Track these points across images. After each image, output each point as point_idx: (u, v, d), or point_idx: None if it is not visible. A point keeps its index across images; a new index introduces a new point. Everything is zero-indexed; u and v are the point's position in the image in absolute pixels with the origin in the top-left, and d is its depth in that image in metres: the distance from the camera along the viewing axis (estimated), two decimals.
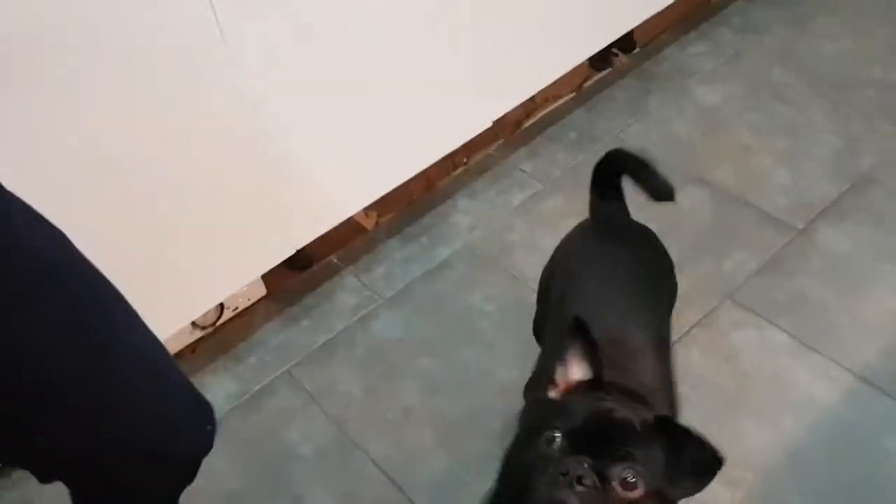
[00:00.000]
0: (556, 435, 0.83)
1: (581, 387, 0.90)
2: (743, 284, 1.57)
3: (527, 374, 1.46)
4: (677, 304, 1.55)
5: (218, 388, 1.55)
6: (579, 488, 0.80)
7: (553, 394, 0.91)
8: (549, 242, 1.70)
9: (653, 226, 1.69)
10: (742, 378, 1.43)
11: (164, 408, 0.87)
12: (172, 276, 1.39)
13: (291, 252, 1.55)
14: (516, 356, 1.51)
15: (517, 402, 1.43)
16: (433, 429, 1.44)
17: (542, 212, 1.78)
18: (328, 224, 1.58)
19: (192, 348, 1.62)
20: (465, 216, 1.81)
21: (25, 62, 1.06)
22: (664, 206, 1.71)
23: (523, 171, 1.89)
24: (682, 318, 1.53)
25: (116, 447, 0.83)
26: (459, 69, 1.63)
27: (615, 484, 0.80)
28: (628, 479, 0.80)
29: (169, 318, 1.44)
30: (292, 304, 1.68)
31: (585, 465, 0.81)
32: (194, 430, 0.90)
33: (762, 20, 2.19)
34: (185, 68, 1.23)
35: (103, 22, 1.11)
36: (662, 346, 1.10)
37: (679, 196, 1.73)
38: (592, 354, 0.89)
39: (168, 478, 0.92)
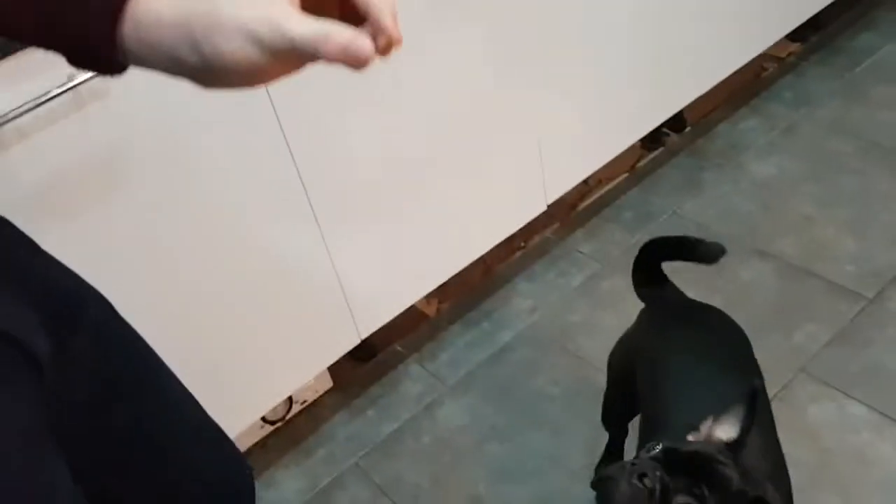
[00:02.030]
0: (658, 445, 0.83)
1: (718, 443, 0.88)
2: (815, 357, 1.53)
3: (596, 460, 1.44)
4: None
5: (289, 482, 1.56)
6: (634, 482, 0.80)
7: (691, 437, 0.89)
8: (610, 322, 1.70)
9: (717, 301, 1.67)
10: (823, 454, 1.37)
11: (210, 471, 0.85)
12: (241, 372, 1.42)
13: (356, 343, 1.57)
14: (585, 440, 1.49)
15: (587, 487, 1.40)
16: None
17: (602, 292, 1.78)
18: (391, 313, 1.61)
19: (262, 444, 1.64)
20: (525, 299, 1.82)
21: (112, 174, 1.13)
22: (728, 282, 1.71)
23: (581, 252, 1.90)
24: None
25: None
26: (513, 155, 1.67)
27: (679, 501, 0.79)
28: None
29: (239, 414, 1.47)
30: (358, 395, 1.70)
31: (657, 473, 0.80)
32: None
33: (814, 93, 2.20)
34: (249, 165, 1.29)
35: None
36: (769, 423, 1.06)
37: (742, 270, 1.73)
38: (748, 420, 0.86)
39: None
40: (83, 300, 0.75)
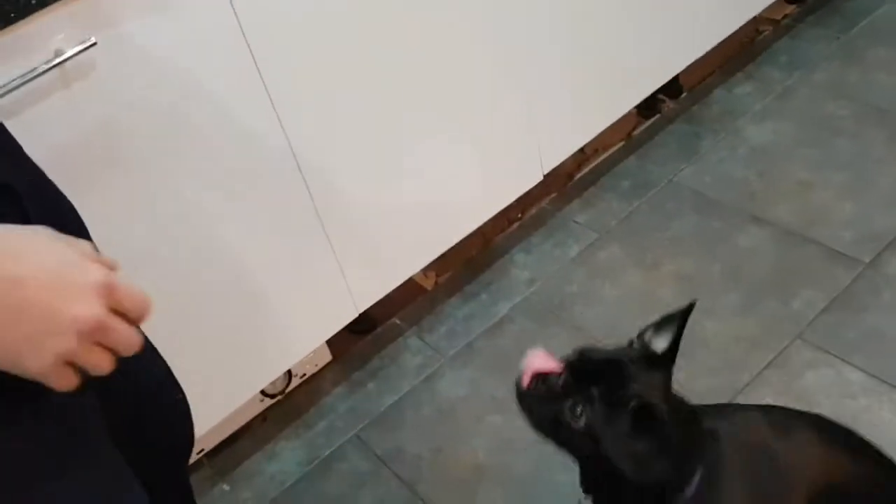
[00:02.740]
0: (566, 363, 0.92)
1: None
2: (812, 323, 1.54)
3: None
4: (746, 345, 1.53)
5: (290, 454, 1.57)
6: (538, 384, 0.91)
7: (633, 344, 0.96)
8: (608, 292, 1.70)
9: (714, 269, 1.68)
10: None
11: None
12: (240, 347, 1.42)
13: (354, 316, 1.57)
14: None
15: None
16: (503, 486, 1.43)
17: (600, 261, 1.78)
18: (388, 286, 1.60)
19: (262, 417, 1.64)
20: (523, 271, 1.81)
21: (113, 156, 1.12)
22: (726, 249, 1.71)
23: (578, 222, 1.89)
24: (752, 359, 1.50)
25: None
26: (507, 125, 1.65)
27: (566, 405, 0.88)
28: (578, 410, 0.87)
29: (239, 388, 1.47)
30: (358, 368, 1.70)
31: (561, 380, 0.90)
32: None
33: (809, 56, 2.18)
34: (242, 142, 1.28)
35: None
36: None
37: (739, 237, 1.73)
38: (678, 334, 0.91)
39: None
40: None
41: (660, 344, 0.92)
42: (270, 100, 1.26)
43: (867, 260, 1.62)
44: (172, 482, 1.02)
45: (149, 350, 0.92)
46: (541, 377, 0.92)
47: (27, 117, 1.02)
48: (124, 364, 0.86)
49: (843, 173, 1.82)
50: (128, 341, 0.57)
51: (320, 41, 1.28)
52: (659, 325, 0.93)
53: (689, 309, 0.91)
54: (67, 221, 0.78)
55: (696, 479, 0.92)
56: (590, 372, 0.90)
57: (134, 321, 0.57)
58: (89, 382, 0.75)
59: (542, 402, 0.91)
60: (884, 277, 1.58)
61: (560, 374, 0.91)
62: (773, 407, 1.10)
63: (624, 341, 1.46)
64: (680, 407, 0.93)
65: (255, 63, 1.22)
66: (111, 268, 0.58)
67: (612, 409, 0.86)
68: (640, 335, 0.95)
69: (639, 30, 1.82)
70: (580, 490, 1.01)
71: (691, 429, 0.93)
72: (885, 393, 1.39)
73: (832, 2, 2.35)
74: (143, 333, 0.90)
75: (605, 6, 1.71)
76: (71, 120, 1.07)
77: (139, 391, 0.89)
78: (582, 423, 0.87)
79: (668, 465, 0.88)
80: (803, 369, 1.47)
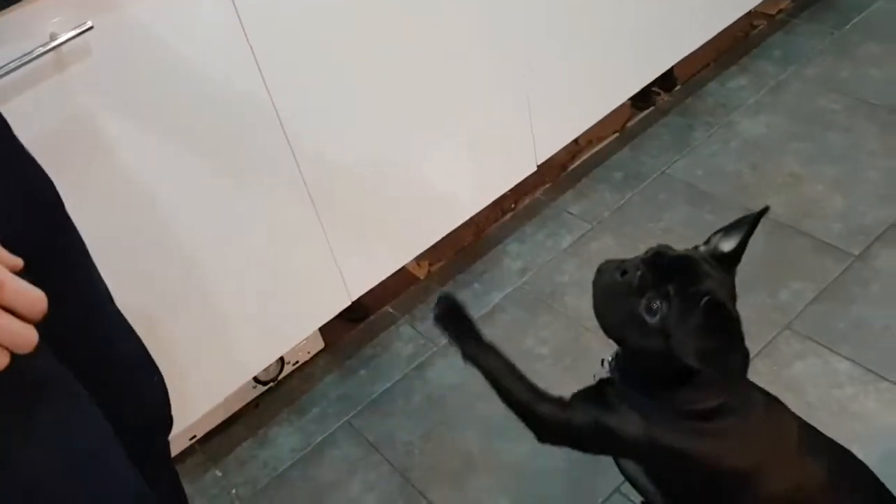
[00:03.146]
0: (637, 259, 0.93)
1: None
2: (801, 313, 1.55)
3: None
4: None
5: (283, 440, 1.58)
6: (616, 276, 0.92)
7: (701, 247, 0.98)
8: None
9: None
10: (807, 409, 1.39)
11: None
12: (232, 333, 1.43)
13: (347, 304, 1.58)
14: None
15: None
16: (494, 474, 1.44)
17: (592, 252, 1.79)
18: (381, 275, 1.61)
19: (255, 403, 1.65)
20: (516, 260, 1.82)
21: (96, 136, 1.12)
22: None
23: (571, 213, 1.90)
24: None
25: None
26: (502, 115, 1.66)
27: (643, 301, 0.89)
28: (653, 305, 0.89)
29: (231, 375, 1.48)
30: (350, 356, 1.71)
31: (638, 271, 0.91)
32: None
33: (803, 51, 2.19)
34: (234, 121, 1.28)
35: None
36: None
37: None
38: (746, 236, 0.94)
39: None
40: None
41: (727, 246, 0.95)
42: (266, 87, 1.26)
43: (856, 252, 1.64)
44: (151, 462, 1.03)
45: (123, 333, 0.93)
46: (620, 269, 0.93)
47: (21, 101, 1.03)
48: (99, 348, 0.87)
49: (835, 167, 1.84)
50: (20, 340, 0.54)
51: (317, 31, 1.29)
52: (729, 229, 0.96)
53: (760, 214, 0.94)
54: (34, 194, 0.78)
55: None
56: (665, 269, 0.91)
57: (28, 319, 0.55)
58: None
59: (618, 295, 0.92)
60: (872, 270, 1.60)
61: (637, 269, 0.92)
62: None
63: None
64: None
65: (253, 51, 1.22)
66: (8, 265, 0.56)
67: (686, 306, 0.88)
68: (709, 238, 0.97)
69: (634, 22, 1.83)
70: (602, 368, 1.04)
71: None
72: (872, 382, 1.41)
73: None
74: (119, 317, 0.91)
75: (601, 0, 1.72)
76: (66, 104, 1.07)
77: (113, 372, 0.89)
78: (657, 318, 0.89)
79: (738, 362, 0.90)
80: (792, 359, 1.48)
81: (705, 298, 0.87)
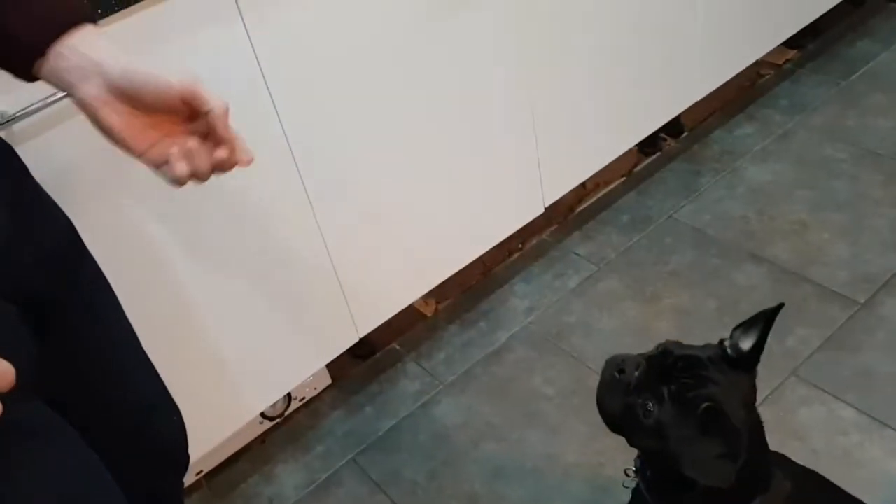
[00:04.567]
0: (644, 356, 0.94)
1: None
2: (807, 360, 1.56)
3: (591, 458, 1.46)
4: None
5: (287, 478, 1.58)
6: (615, 373, 0.93)
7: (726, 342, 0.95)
8: (606, 324, 1.73)
9: (710, 304, 1.71)
10: (813, 456, 1.40)
11: None
12: (240, 369, 1.44)
13: (354, 341, 1.59)
14: (581, 439, 1.51)
15: (582, 486, 1.43)
16: None
17: (598, 293, 1.81)
18: (389, 312, 1.63)
19: (261, 439, 1.66)
20: (522, 300, 1.84)
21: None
22: (723, 286, 1.74)
23: (578, 254, 1.92)
24: None
25: None
26: (510, 158, 1.69)
27: (639, 401, 0.90)
28: (648, 406, 0.89)
29: (238, 410, 1.49)
30: (357, 393, 1.72)
31: (636, 370, 0.92)
32: None
33: (809, 100, 2.23)
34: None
35: None
36: None
37: (736, 274, 1.76)
38: (762, 335, 0.91)
39: None
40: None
41: (746, 343, 0.92)
42: (283, 130, 1.29)
43: (862, 300, 1.65)
44: (166, 501, 1.04)
45: (144, 372, 0.94)
46: (619, 366, 0.93)
47: (43, 140, 1.06)
48: (119, 385, 0.88)
49: (840, 215, 1.85)
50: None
51: (330, 74, 1.32)
52: (747, 325, 0.92)
53: (776, 310, 0.91)
54: (51, 231, 0.80)
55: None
56: (667, 369, 0.90)
57: None
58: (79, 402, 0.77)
59: (615, 393, 0.93)
60: (877, 318, 1.60)
61: (637, 366, 0.92)
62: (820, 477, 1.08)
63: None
64: (757, 419, 0.92)
65: (272, 100, 1.25)
66: None
67: (683, 410, 0.87)
68: (731, 332, 0.94)
69: (643, 69, 1.87)
70: (632, 469, 1.03)
71: (763, 445, 0.93)
72: (877, 430, 1.41)
73: (832, 48, 2.40)
74: (141, 355, 0.92)
75: (612, 47, 1.76)
76: (89, 142, 1.10)
77: (133, 411, 0.90)
78: (651, 420, 0.88)
79: (731, 473, 0.85)
80: (797, 405, 1.48)
81: (703, 405, 0.85)
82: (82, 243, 0.84)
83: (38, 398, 0.71)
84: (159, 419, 0.94)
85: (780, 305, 0.91)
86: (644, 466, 1.01)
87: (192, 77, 0.69)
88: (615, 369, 0.94)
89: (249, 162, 0.74)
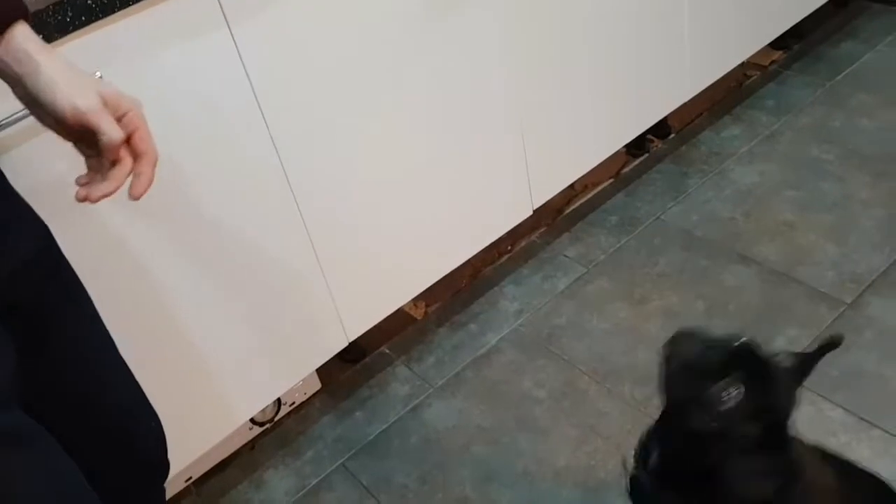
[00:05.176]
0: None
1: None
2: None
3: (582, 461, 1.47)
4: None
5: (277, 483, 1.57)
6: (699, 349, 0.88)
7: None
8: (595, 325, 1.73)
9: (699, 305, 1.71)
10: None
11: None
12: (230, 374, 1.44)
13: (344, 345, 1.59)
14: (571, 442, 1.51)
15: (573, 489, 1.43)
16: None
17: (587, 295, 1.81)
18: (378, 316, 1.63)
19: (251, 445, 1.65)
20: (512, 302, 1.84)
21: None
22: (711, 287, 1.74)
23: (567, 256, 1.93)
24: None
25: None
26: (500, 159, 1.69)
27: (721, 383, 0.84)
28: (729, 392, 0.84)
29: (228, 416, 1.48)
30: (346, 397, 1.71)
31: (718, 356, 0.87)
32: None
33: (796, 101, 2.24)
34: (237, 166, 1.31)
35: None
36: None
37: (725, 275, 1.77)
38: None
39: None
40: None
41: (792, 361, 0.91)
42: (271, 137, 1.29)
43: (849, 300, 1.65)
44: None
45: (122, 379, 0.93)
46: (707, 344, 0.89)
47: (23, 151, 1.04)
48: (96, 393, 0.88)
49: (827, 215, 1.86)
50: None
51: (319, 83, 1.32)
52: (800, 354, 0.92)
53: (829, 346, 0.92)
54: (28, 237, 0.80)
55: None
56: (749, 366, 0.86)
57: None
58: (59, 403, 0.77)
59: (694, 369, 0.87)
60: (865, 318, 1.61)
61: (718, 353, 0.88)
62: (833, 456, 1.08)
63: (610, 374, 1.49)
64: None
65: (260, 108, 1.25)
66: None
67: (752, 413, 0.84)
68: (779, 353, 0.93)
69: (630, 72, 1.87)
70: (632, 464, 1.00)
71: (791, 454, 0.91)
72: (865, 430, 1.42)
73: (818, 49, 2.42)
74: (119, 363, 0.92)
75: (598, 48, 1.76)
76: (71, 151, 1.09)
77: (110, 418, 0.90)
78: (726, 407, 0.84)
79: (769, 487, 0.84)
80: None
81: (766, 417, 0.83)
82: (59, 251, 0.84)
83: (16, 405, 0.71)
84: (137, 426, 0.94)
85: (837, 342, 0.92)
86: (651, 453, 0.96)
87: (95, 103, 0.70)
88: (700, 346, 0.88)
89: (134, 199, 0.75)
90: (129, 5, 1.06)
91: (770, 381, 0.86)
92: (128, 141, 0.75)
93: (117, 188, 0.74)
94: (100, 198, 0.74)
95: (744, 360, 0.87)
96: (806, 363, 0.91)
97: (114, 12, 1.05)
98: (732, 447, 0.84)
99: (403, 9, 1.38)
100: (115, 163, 0.74)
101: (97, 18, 1.04)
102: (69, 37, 1.02)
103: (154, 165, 0.76)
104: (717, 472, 0.84)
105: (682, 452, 0.93)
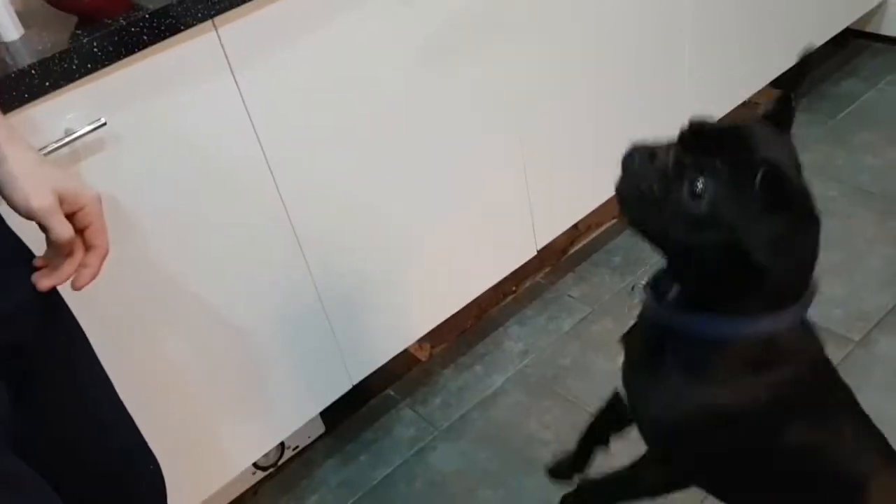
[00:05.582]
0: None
1: None
2: None
3: None
4: None
5: None
6: (645, 161, 0.75)
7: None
8: (601, 366, 1.72)
9: None
10: None
11: None
12: (233, 418, 1.43)
13: (348, 388, 1.58)
14: None
15: None
16: None
17: (593, 335, 1.80)
18: (383, 358, 1.62)
19: (253, 490, 1.63)
20: (517, 343, 1.83)
21: None
22: None
23: (571, 296, 1.92)
24: None
25: None
26: (503, 200, 1.70)
27: (684, 184, 0.72)
28: (697, 185, 0.71)
29: (231, 460, 1.47)
30: (351, 440, 1.70)
31: (670, 153, 0.75)
32: None
33: (799, 139, 2.21)
34: (242, 205, 1.31)
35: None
36: None
37: None
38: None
39: None
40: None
41: (773, 105, 0.79)
42: (272, 174, 1.30)
43: (857, 338, 1.64)
44: None
45: (120, 422, 0.93)
46: (645, 154, 0.77)
47: None
48: (95, 436, 0.88)
49: (833, 253, 1.86)
50: None
51: (321, 127, 1.33)
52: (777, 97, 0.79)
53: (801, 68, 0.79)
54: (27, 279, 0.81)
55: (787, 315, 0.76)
56: (705, 143, 0.74)
57: None
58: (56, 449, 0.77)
59: (651, 184, 0.75)
60: (873, 356, 1.60)
61: (668, 149, 0.76)
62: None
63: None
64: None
65: (259, 141, 1.26)
66: None
67: (740, 181, 0.70)
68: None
69: (632, 111, 1.88)
70: (641, 282, 0.90)
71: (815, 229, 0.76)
72: None
73: (819, 88, 2.43)
74: (117, 405, 0.92)
75: (601, 88, 1.78)
76: None
77: (109, 462, 0.90)
78: (705, 203, 0.72)
79: (808, 254, 0.73)
80: None
81: (761, 171, 0.69)
82: (56, 292, 0.85)
83: (10, 449, 0.71)
84: (135, 470, 0.94)
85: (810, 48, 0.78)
86: (665, 282, 0.85)
87: (48, 204, 0.74)
88: (644, 156, 0.77)
89: (75, 290, 0.80)
90: (134, 52, 1.07)
91: (738, 140, 0.75)
92: (83, 233, 0.79)
93: (66, 280, 0.79)
94: (48, 287, 0.78)
95: (697, 136, 0.76)
96: (783, 103, 0.78)
97: (119, 59, 1.06)
98: (742, 224, 0.71)
99: (404, 54, 1.39)
100: (69, 254, 0.78)
101: (102, 66, 1.05)
102: (75, 84, 1.04)
103: (102, 259, 0.81)
104: (747, 255, 0.72)
105: (693, 268, 0.81)
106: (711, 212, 0.71)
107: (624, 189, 0.80)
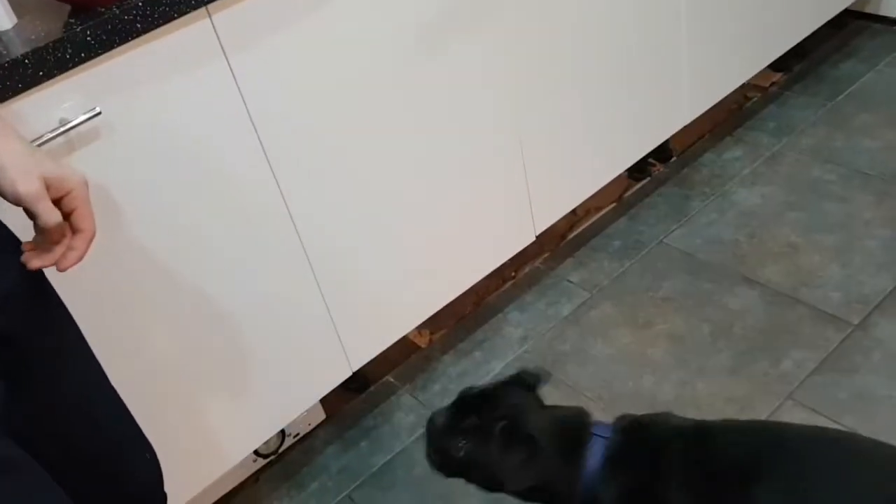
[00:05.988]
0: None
1: None
2: (803, 383, 1.55)
3: None
4: (737, 406, 1.54)
5: None
6: (431, 426, 1.12)
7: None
8: (600, 351, 1.72)
9: (704, 329, 1.70)
10: None
11: None
12: (233, 406, 1.43)
13: (348, 375, 1.58)
14: None
15: None
16: None
17: (592, 320, 1.80)
18: (383, 345, 1.62)
19: (255, 478, 1.64)
20: (516, 329, 1.83)
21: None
22: (716, 310, 1.73)
23: (570, 281, 1.92)
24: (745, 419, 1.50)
25: None
26: (502, 186, 1.69)
27: (452, 443, 1.07)
28: (458, 445, 1.07)
29: (232, 448, 1.47)
30: (351, 427, 1.70)
31: (442, 417, 1.10)
32: None
33: (797, 122, 2.24)
34: (235, 194, 1.31)
35: None
36: None
37: (729, 298, 1.76)
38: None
39: None
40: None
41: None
42: (269, 164, 1.29)
43: (856, 321, 1.64)
44: None
45: (115, 410, 0.93)
46: (431, 420, 1.11)
47: None
48: (89, 425, 0.88)
49: (831, 236, 1.85)
50: None
51: (317, 112, 1.33)
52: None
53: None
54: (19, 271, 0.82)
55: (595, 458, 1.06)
56: (466, 407, 1.07)
57: None
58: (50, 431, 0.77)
59: (439, 442, 1.09)
60: (872, 339, 1.60)
61: (442, 416, 1.10)
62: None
63: (616, 400, 1.49)
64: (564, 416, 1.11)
65: (256, 131, 1.26)
66: None
67: (485, 434, 1.03)
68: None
69: (631, 96, 1.88)
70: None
71: (574, 433, 1.08)
72: None
73: (818, 70, 2.42)
74: (111, 394, 0.92)
75: (599, 73, 1.77)
76: None
77: (104, 450, 0.90)
78: (462, 453, 1.04)
79: (541, 470, 1.02)
80: None
81: (500, 424, 1.02)
82: (46, 281, 0.85)
83: (5, 435, 0.71)
84: (129, 458, 0.94)
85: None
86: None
87: (35, 189, 0.74)
88: (429, 425, 1.10)
89: (60, 271, 0.81)
90: (128, 41, 1.07)
91: (489, 401, 1.09)
92: (69, 217, 0.80)
93: (53, 262, 0.80)
94: (37, 267, 0.80)
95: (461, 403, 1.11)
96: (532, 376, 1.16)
97: (112, 48, 1.06)
98: (490, 466, 1.03)
99: (400, 39, 1.39)
100: (56, 240, 0.80)
101: (96, 55, 1.05)
102: (69, 73, 1.03)
103: (89, 242, 0.81)
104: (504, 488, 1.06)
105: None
106: (468, 458, 1.05)
107: (427, 455, 1.12)
